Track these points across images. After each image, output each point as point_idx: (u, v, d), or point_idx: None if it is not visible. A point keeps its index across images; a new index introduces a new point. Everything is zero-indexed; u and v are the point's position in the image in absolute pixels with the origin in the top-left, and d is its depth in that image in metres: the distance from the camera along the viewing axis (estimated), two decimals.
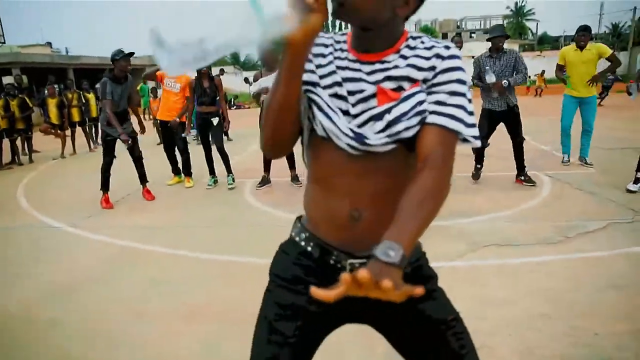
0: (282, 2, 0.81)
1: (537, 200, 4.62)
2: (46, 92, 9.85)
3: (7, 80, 21.11)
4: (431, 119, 0.96)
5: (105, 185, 5.34)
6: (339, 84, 1.02)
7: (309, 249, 1.11)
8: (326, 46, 1.08)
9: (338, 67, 1.04)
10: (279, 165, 5.58)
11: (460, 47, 6.91)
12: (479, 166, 5.31)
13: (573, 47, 5.77)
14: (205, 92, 5.64)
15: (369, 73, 1.01)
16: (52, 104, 9.47)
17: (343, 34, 1.10)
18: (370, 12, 0.96)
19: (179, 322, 2.65)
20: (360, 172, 1.01)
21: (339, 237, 1.06)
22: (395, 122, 0.97)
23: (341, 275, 0.72)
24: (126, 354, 2.38)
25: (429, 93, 0.99)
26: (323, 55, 1.06)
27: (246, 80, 8.10)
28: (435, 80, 0.99)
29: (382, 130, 0.98)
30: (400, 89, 0.99)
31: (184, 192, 5.82)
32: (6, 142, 8.71)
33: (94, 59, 27.33)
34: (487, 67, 4.97)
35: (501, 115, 5.05)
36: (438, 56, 0.99)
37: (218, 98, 5.78)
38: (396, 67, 1.00)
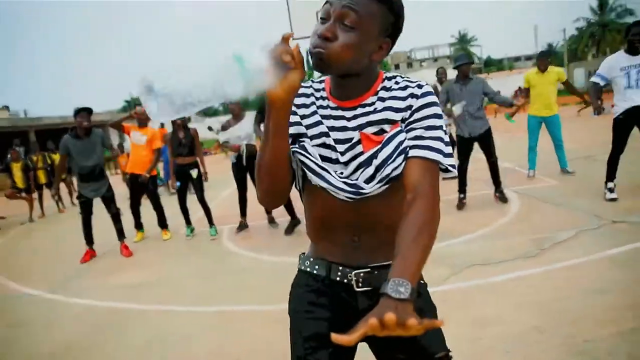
0: (264, 57, 0.88)
1: (509, 216, 4.83)
2: (9, 156, 9.65)
3: None
4: (413, 152, 1.05)
5: (87, 240, 5.40)
6: (326, 134, 1.10)
7: (315, 271, 1.19)
8: (307, 96, 1.16)
9: (322, 117, 1.11)
10: (254, 209, 5.64)
11: (444, 78, 7.28)
12: (462, 196, 5.43)
13: (535, 71, 6.26)
14: (182, 143, 5.65)
15: (351, 119, 1.09)
16: (16, 167, 9.29)
17: (321, 81, 1.18)
18: (349, 62, 1.02)
19: None
20: (357, 210, 1.11)
21: (342, 258, 1.16)
22: (383, 165, 1.05)
23: (367, 318, 0.77)
24: None
25: (408, 130, 1.07)
26: (306, 106, 1.15)
27: (210, 128, 8.12)
28: (412, 118, 1.07)
29: (373, 176, 1.06)
30: (382, 131, 1.07)
31: (161, 246, 5.76)
32: None
33: (55, 119, 27.01)
34: (457, 100, 5.20)
35: (475, 137, 5.28)
36: (413, 95, 1.08)
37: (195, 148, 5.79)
38: (375, 110, 1.08)
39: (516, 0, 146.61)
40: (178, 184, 5.77)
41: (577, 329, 2.49)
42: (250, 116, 5.56)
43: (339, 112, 1.11)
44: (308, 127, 1.12)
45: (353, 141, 1.08)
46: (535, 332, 2.53)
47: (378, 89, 1.11)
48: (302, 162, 1.11)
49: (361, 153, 1.07)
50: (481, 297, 3.10)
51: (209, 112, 61.13)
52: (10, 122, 26.45)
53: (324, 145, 1.11)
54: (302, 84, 1.17)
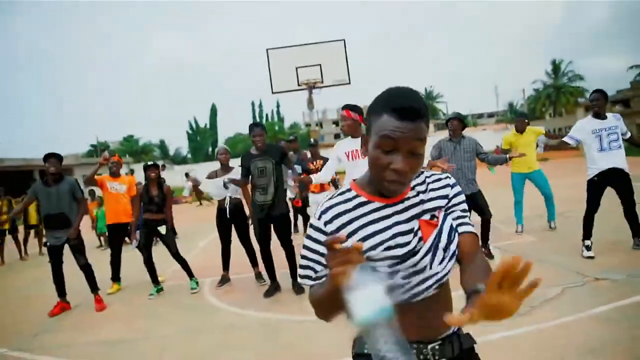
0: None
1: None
2: None
3: None
4: (463, 229, 1.26)
5: (58, 291, 5.18)
6: (390, 236, 1.20)
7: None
8: (342, 213, 1.24)
9: (372, 221, 1.22)
10: (236, 260, 5.52)
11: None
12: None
13: (513, 132, 6.53)
14: (154, 201, 5.47)
15: (403, 211, 1.23)
16: None
17: (344, 191, 1.29)
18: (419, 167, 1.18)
19: None
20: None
21: (416, 335, 1.21)
22: (449, 245, 1.22)
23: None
24: None
25: (450, 213, 1.27)
26: (347, 223, 1.24)
27: (187, 175, 8.07)
28: (451, 203, 1.28)
29: (443, 257, 1.21)
30: (433, 217, 1.24)
31: (140, 299, 5.50)
32: None
33: (17, 160, 26.24)
34: (452, 159, 5.21)
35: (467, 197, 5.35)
36: (448, 185, 1.30)
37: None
38: (423, 201, 1.25)
39: (480, 62, 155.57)
40: (135, 243, 5.67)
41: None
42: (237, 169, 5.51)
43: (388, 210, 1.23)
44: (364, 239, 1.20)
45: (415, 229, 1.21)
46: None
47: (413, 184, 1.27)
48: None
49: (420, 239, 1.21)
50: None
51: (176, 160, 60.71)
52: None
53: (388, 248, 1.19)
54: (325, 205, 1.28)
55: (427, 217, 1.24)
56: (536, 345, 3.14)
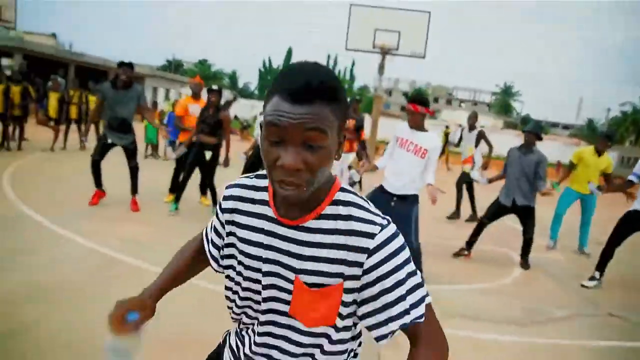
0: None
1: (509, 278, 4.87)
2: (50, 84, 9.90)
3: (5, 62, 21.05)
4: (380, 332, 0.97)
5: (96, 181, 5.55)
6: (264, 274, 1.01)
7: None
8: (248, 201, 1.06)
9: (261, 231, 1.03)
10: None
11: (473, 125, 7.36)
12: (465, 247, 5.40)
13: (591, 151, 6.09)
14: (205, 121, 5.66)
15: (294, 242, 0.98)
16: (53, 97, 9.55)
17: (261, 175, 1.07)
18: (322, 181, 0.92)
19: (161, 348, 2.71)
20: None
21: None
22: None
23: None
24: None
25: (361, 302, 0.97)
26: (246, 214, 1.06)
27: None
28: (363, 282, 0.95)
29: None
30: (320, 286, 0.96)
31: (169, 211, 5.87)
32: None
33: (98, 59, 27.42)
34: (512, 165, 5.16)
35: (511, 208, 5.20)
36: (370, 237, 0.93)
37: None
38: (320, 244, 0.96)
39: (568, 71, 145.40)
40: (180, 153, 5.87)
41: None
42: None
43: (281, 230, 0.99)
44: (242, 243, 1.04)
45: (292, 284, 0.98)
46: None
47: (325, 211, 0.96)
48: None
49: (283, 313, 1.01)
50: (462, 349, 3.15)
51: (243, 94, 61.72)
52: (56, 51, 26.95)
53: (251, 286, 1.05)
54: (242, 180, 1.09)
55: (316, 278, 0.95)
56: (520, 355, 3.17)
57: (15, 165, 7.52)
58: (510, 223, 7.70)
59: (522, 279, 4.94)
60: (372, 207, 0.98)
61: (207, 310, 3.23)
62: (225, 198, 1.07)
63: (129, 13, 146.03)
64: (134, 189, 5.68)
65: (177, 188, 5.92)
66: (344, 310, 0.97)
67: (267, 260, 0.99)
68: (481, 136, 7.32)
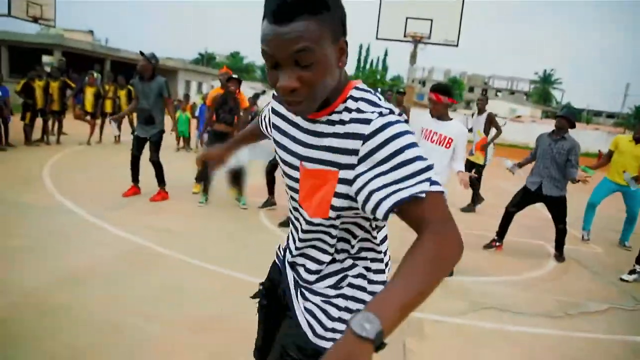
0: None
1: (542, 271, 4.71)
2: (87, 79, 10.20)
3: (45, 59, 21.87)
4: (400, 195, 0.89)
5: (133, 176, 5.76)
6: (283, 163, 1.18)
7: None
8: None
9: (291, 124, 1.13)
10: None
11: (482, 108, 7.11)
12: (496, 238, 5.24)
13: (629, 138, 5.80)
14: (225, 110, 5.72)
15: (302, 140, 1.08)
16: (89, 92, 9.83)
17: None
18: (327, 92, 0.94)
19: (187, 332, 2.76)
20: None
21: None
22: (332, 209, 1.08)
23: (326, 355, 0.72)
24: (131, 355, 2.49)
25: (362, 184, 0.95)
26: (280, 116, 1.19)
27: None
28: (363, 161, 0.95)
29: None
30: (322, 163, 1.03)
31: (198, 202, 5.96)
32: (38, 120, 9.02)
33: (132, 53, 28.09)
34: (542, 153, 4.95)
35: (538, 196, 4.98)
36: (367, 122, 0.94)
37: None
38: (335, 134, 0.99)
39: (617, 54, 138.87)
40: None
41: None
42: None
43: (294, 131, 1.09)
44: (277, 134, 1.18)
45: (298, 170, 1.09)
46: None
47: (338, 108, 0.99)
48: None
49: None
50: (492, 341, 3.08)
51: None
52: (92, 47, 27.78)
53: (283, 174, 1.19)
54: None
55: (315, 165, 1.01)
56: (553, 349, 3.07)
57: (55, 158, 7.81)
58: (547, 213, 7.47)
59: (556, 271, 4.77)
60: (382, 102, 0.98)
61: (228, 296, 3.27)
62: (272, 108, 1.22)
63: (163, 8, 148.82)
64: (160, 181, 5.77)
65: (203, 178, 5.99)
66: (337, 202, 1.01)
67: (284, 148, 1.11)
68: (490, 120, 6.98)
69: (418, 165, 0.89)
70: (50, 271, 3.35)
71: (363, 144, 0.93)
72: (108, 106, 10.42)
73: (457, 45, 10.54)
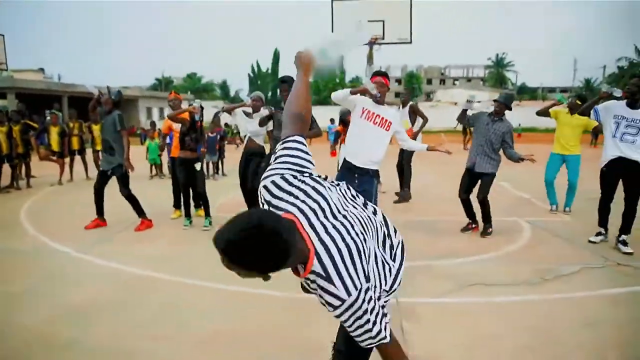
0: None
1: (518, 244, 5.02)
2: (48, 119, 10.10)
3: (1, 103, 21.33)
4: None
5: (97, 209, 5.89)
6: None
7: None
8: None
9: None
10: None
11: (406, 101, 7.59)
12: (470, 221, 5.56)
13: (566, 110, 6.31)
14: (195, 138, 5.83)
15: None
16: (54, 131, 9.72)
17: None
18: None
19: (195, 349, 2.88)
20: None
21: None
22: None
23: None
24: None
25: None
26: None
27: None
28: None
29: None
30: None
31: (182, 226, 6.03)
32: (5, 167, 8.89)
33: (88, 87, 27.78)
34: (479, 129, 5.34)
35: (477, 173, 5.35)
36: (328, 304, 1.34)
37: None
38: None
39: (558, 31, 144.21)
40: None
41: (566, 357, 2.69)
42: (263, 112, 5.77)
43: None
44: None
45: None
46: (527, 351, 2.74)
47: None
48: None
49: None
50: (479, 313, 3.31)
51: (237, 101, 61.88)
52: (47, 85, 27.28)
53: None
54: None
55: None
56: (537, 312, 3.33)
57: (29, 202, 7.73)
58: (517, 192, 7.83)
59: (531, 243, 5.08)
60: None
61: (229, 309, 3.40)
62: None
63: (114, 37, 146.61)
64: (139, 212, 5.83)
65: (180, 204, 6.19)
66: None
67: None
68: (414, 111, 7.49)
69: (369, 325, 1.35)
70: (53, 309, 3.41)
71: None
72: (75, 143, 10.34)
73: (410, 42, 10.92)
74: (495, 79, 67.97)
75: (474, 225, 5.53)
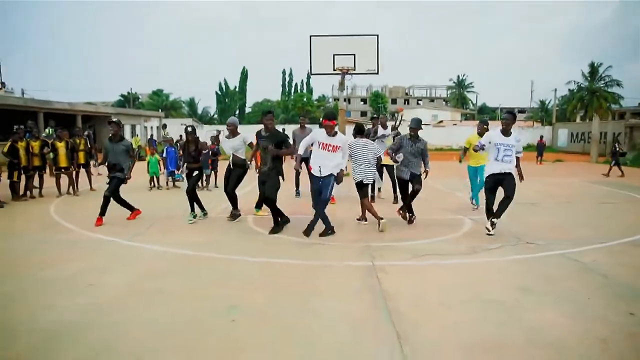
0: None
1: (460, 232, 6.72)
2: (55, 135, 11.24)
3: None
4: None
5: (101, 211, 7.34)
6: None
7: None
8: None
9: None
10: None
11: (384, 127, 9.64)
12: (410, 214, 7.32)
13: (475, 135, 8.44)
14: (191, 155, 7.63)
15: None
16: (61, 147, 10.82)
17: None
18: None
19: (263, 299, 4.36)
20: None
21: None
22: None
23: None
24: (215, 343, 3.33)
25: None
26: None
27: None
28: None
29: None
30: None
31: (205, 222, 7.45)
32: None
33: (64, 104, 28.53)
34: (406, 152, 7.11)
35: (409, 179, 7.18)
36: None
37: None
38: None
39: (519, 55, 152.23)
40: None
41: (484, 288, 4.35)
42: (242, 136, 7.47)
43: None
44: None
45: None
46: (459, 288, 4.37)
47: None
48: None
49: None
50: (429, 270, 4.93)
51: (204, 119, 62.32)
52: (24, 101, 27.85)
53: None
54: None
55: None
56: (468, 270, 4.99)
57: (52, 207, 8.92)
58: (462, 196, 9.61)
59: (469, 232, 6.80)
60: None
61: (257, 273, 4.90)
62: None
63: (77, 51, 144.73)
64: (102, 212, 7.28)
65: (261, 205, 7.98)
66: None
67: None
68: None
69: None
70: (129, 276, 4.80)
71: None
72: (81, 158, 11.42)
73: (377, 73, 12.75)
74: (457, 99, 71.66)
75: (413, 218, 7.32)
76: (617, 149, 15.98)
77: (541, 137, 23.34)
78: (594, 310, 3.82)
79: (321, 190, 6.45)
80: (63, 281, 4.57)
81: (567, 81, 48.73)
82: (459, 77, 72.24)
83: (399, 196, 7.90)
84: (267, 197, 6.69)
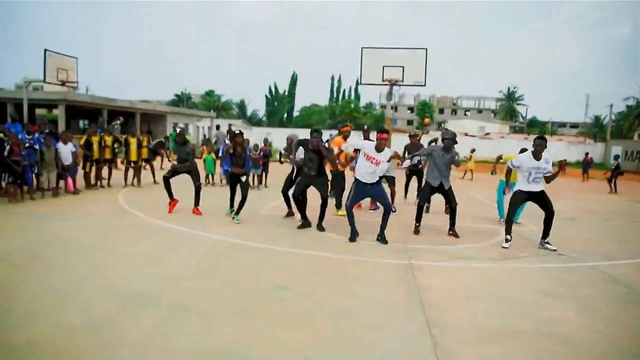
0: None
1: (493, 241, 7.08)
2: (117, 126, 12.38)
3: (40, 112, 23.90)
4: None
5: (169, 196, 8.32)
6: None
7: None
8: None
9: None
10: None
11: (419, 138, 10.17)
12: (417, 224, 7.50)
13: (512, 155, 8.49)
14: (239, 157, 7.93)
15: None
16: (133, 143, 11.95)
17: None
18: None
19: (309, 280, 5.00)
20: None
21: None
22: None
23: None
24: (266, 310, 4.52)
25: None
26: None
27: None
28: None
29: None
30: None
31: (256, 218, 8.17)
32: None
33: (125, 102, 30.45)
34: (437, 161, 7.34)
35: (438, 189, 7.38)
36: None
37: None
38: None
39: (571, 70, 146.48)
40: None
41: (506, 288, 4.79)
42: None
43: None
44: None
45: None
46: (486, 292, 4.82)
47: None
48: None
49: None
50: (460, 271, 5.39)
51: (253, 121, 63.92)
52: (92, 99, 29.93)
53: None
54: None
55: None
56: (498, 273, 5.41)
57: (120, 196, 9.93)
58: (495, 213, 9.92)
59: (502, 241, 7.13)
60: None
61: (312, 263, 5.52)
62: None
63: (138, 51, 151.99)
64: (197, 202, 8.24)
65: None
66: None
67: None
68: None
69: None
70: (198, 255, 5.55)
71: None
72: (144, 153, 12.53)
73: (424, 85, 13.20)
74: (506, 111, 70.15)
75: (419, 228, 7.48)
76: None
77: (586, 154, 22.85)
78: (609, 313, 4.20)
79: (375, 198, 7.09)
80: (137, 257, 5.37)
81: (625, 97, 46.50)
82: (509, 89, 70.73)
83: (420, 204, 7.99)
84: (323, 198, 7.25)
